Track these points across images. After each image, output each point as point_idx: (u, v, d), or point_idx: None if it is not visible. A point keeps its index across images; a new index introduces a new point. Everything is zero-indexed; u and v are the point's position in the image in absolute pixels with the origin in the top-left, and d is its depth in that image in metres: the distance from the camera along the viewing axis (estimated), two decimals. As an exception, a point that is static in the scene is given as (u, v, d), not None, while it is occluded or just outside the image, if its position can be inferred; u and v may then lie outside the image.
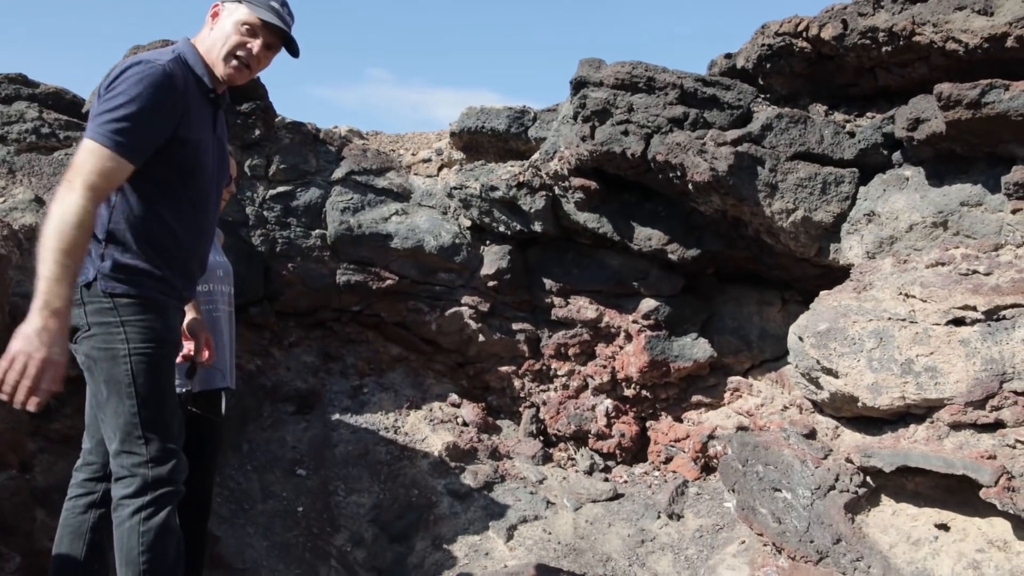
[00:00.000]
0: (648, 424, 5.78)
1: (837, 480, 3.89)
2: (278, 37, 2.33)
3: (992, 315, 3.48)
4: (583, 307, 5.71)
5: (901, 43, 4.04)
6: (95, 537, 2.35)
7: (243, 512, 4.82)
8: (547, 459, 5.80)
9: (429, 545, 4.95)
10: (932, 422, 3.62)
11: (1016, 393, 3.35)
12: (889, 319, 3.75)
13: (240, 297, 4.30)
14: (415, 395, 6.03)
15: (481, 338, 5.92)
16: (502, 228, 5.68)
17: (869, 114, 4.56)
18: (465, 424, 5.91)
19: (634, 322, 5.54)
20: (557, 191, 5.39)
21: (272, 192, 5.78)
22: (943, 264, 3.83)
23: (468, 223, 5.86)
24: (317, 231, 5.84)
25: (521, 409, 6.09)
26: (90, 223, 2.00)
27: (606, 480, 5.59)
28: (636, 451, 5.79)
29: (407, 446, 5.61)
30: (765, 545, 4.24)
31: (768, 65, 4.66)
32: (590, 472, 5.68)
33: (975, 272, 3.68)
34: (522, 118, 5.80)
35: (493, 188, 5.54)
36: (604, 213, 5.28)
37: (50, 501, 3.50)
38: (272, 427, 5.57)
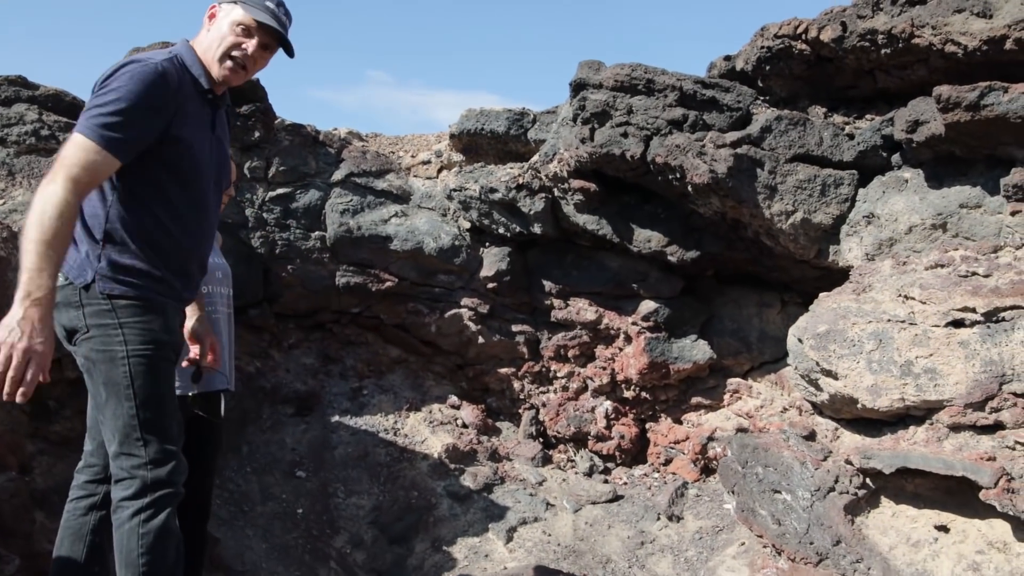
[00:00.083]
0: (648, 426, 5.78)
1: (837, 482, 3.89)
2: (274, 38, 2.32)
3: (991, 317, 3.48)
4: (583, 309, 5.71)
5: (900, 45, 4.04)
6: (96, 539, 2.34)
7: (243, 514, 4.82)
8: (547, 461, 5.80)
9: (429, 547, 4.95)
10: (932, 424, 3.61)
11: (1015, 395, 3.35)
12: (888, 321, 3.75)
13: (239, 299, 4.30)
14: (415, 397, 6.03)
15: (481, 340, 5.92)
16: (501, 230, 5.69)
17: (868, 116, 4.56)
18: (465, 426, 5.91)
19: (633, 324, 5.54)
20: (557, 193, 5.39)
21: (272, 194, 5.79)
22: (942, 266, 3.82)
23: (468, 225, 5.86)
24: (317, 233, 5.85)
25: (521, 411, 6.09)
26: (71, 215, 1.98)
27: (606, 482, 5.59)
28: (636, 453, 5.79)
29: (407, 448, 5.61)
30: (765, 547, 4.23)
31: (767, 67, 4.67)
32: (590, 474, 5.68)
33: (974, 274, 3.67)
34: (521, 120, 5.81)
35: (492, 190, 5.55)
36: (604, 215, 5.28)
37: (49, 503, 3.50)
38: (271, 429, 5.57)
